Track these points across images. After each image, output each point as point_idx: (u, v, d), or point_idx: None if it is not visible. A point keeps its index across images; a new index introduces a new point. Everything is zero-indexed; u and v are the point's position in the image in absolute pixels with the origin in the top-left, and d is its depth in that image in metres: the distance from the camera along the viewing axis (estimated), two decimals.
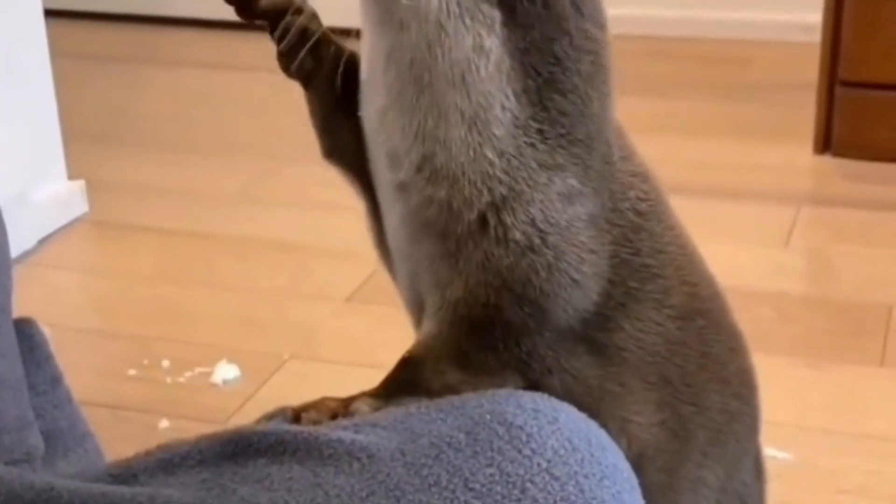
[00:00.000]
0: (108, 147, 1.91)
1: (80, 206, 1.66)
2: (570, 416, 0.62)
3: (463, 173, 0.64)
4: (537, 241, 0.65)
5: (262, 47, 2.49)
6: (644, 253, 0.69)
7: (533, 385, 0.67)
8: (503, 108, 0.64)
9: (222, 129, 2.00)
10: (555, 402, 0.63)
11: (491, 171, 0.64)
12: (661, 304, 0.69)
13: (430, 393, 0.67)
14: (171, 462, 0.59)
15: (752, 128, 1.84)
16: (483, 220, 0.64)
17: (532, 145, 0.65)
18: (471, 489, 0.57)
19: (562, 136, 0.65)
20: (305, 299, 1.41)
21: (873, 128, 1.77)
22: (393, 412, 0.63)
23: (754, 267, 1.41)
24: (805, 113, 1.80)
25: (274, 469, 0.58)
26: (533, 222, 0.64)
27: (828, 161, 1.78)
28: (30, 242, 1.56)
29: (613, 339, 0.68)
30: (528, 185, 0.64)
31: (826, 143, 1.81)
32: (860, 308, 1.35)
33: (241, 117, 2.04)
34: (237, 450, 0.59)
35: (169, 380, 1.25)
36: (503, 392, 0.63)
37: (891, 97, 1.76)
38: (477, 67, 0.64)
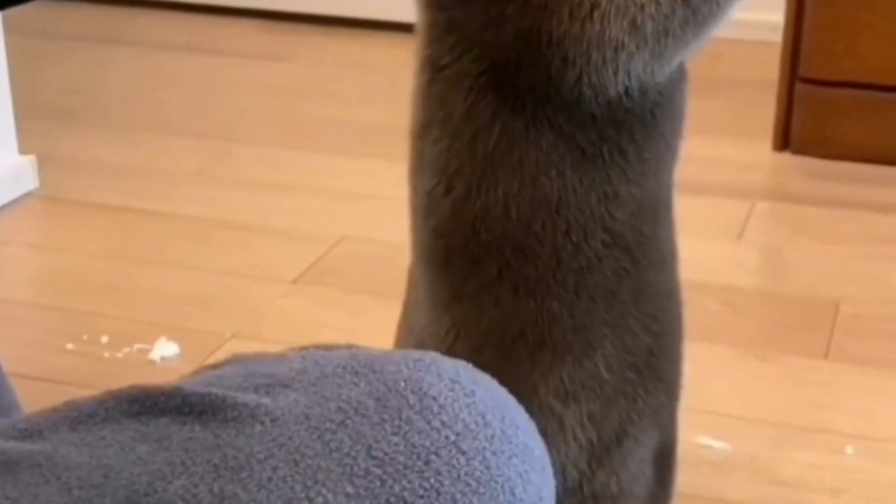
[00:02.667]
0: (66, 125, 1.89)
1: (31, 182, 1.64)
2: (488, 391, 0.61)
3: None
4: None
5: (226, 31, 2.48)
6: None
7: None
8: None
9: (181, 109, 1.98)
10: (477, 374, 0.62)
11: None
12: None
13: None
14: (76, 419, 0.58)
15: (713, 123, 1.84)
16: None
17: None
18: (373, 457, 0.56)
19: None
20: (252, 279, 1.40)
21: (832, 126, 1.77)
22: (309, 372, 0.62)
23: (707, 260, 1.41)
24: (767, 110, 1.80)
25: (175, 429, 0.56)
26: None
27: (786, 158, 1.78)
28: None
29: None
30: None
31: (785, 140, 1.81)
32: (809, 302, 1.35)
33: (200, 98, 2.03)
34: (142, 409, 0.58)
35: (107, 355, 1.23)
36: (427, 358, 0.62)
37: (851, 95, 1.76)
38: None
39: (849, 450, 1.08)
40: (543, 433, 0.70)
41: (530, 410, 0.70)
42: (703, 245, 1.46)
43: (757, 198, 1.64)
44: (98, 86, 2.09)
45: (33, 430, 0.58)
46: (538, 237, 0.69)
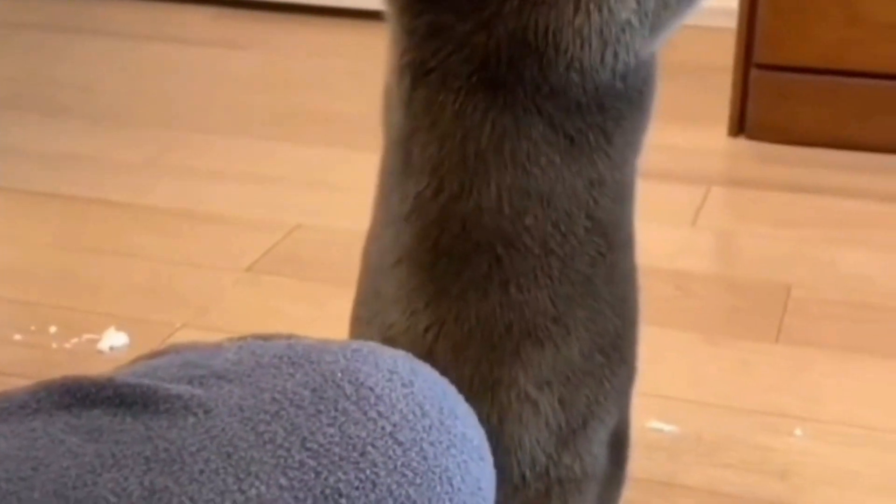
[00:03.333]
0: (17, 114, 1.86)
1: None
2: (426, 381, 0.60)
3: None
4: None
5: (180, 18, 2.45)
6: None
7: None
8: None
9: (134, 98, 1.96)
10: (416, 364, 0.61)
11: None
12: None
13: None
14: (6, 410, 0.57)
15: (668, 109, 1.83)
16: None
17: None
18: (307, 448, 0.55)
19: None
20: (204, 268, 1.39)
21: (787, 111, 1.78)
22: (245, 363, 0.61)
23: (660, 245, 1.41)
24: (722, 96, 1.80)
25: (106, 421, 0.56)
26: None
27: (741, 143, 1.79)
28: None
29: None
30: None
31: (740, 125, 1.81)
32: (761, 287, 1.36)
33: (154, 87, 2.01)
34: (73, 400, 0.57)
35: (55, 345, 1.22)
36: (365, 348, 0.61)
37: (805, 80, 1.77)
38: None
39: (798, 432, 1.09)
40: (519, 420, 0.70)
41: (509, 400, 0.70)
42: (657, 230, 1.45)
43: (712, 183, 1.64)
44: (48, 74, 2.06)
45: None
46: (529, 230, 0.68)
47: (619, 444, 0.77)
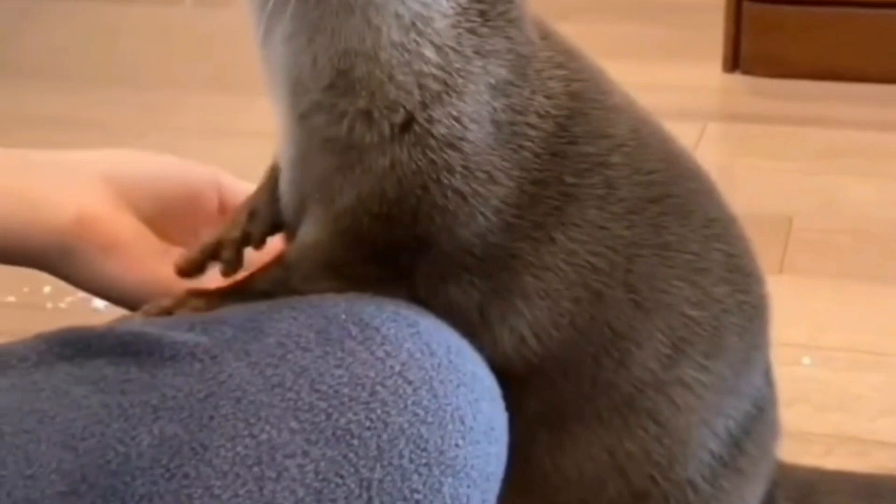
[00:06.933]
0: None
1: None
2: (431, 323, 0.59)
3: (390, 78, 0.58)
4: (459, 136, 0.58)
5: None
6: (582, 140, 0.62)
7: (417, 302, 0.61)
8: None
9: (109, 59, 1.94)
10: (419, 308, 0.60)
11: (426, 69, 0.58)
12: (604, 200, 0.62)
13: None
14: (7, 364, 0.55)
15: (663, 49, 1.82)
16: (408, 122, 0.58)
17: (472, 31, 0.59)
18: (316, 390, 0.54)
19: (501, 14, 0.60)
20: None
21: (781, 44, 1.76)
22: (243, 309, 0.60)
23: None
24: (716, 34, 1.78)
25: (111, 370, 0.54)
26: (459, 117, 0.58)
27: (737, 79, 1.77)
28: None
29: (542, 254, 0.61)
30: (462, 77, 0.58)
31: (735, 60, 1.80)
32: (762, 219, 1.34)
33: (138, 49, 1.98)
34: (75, 351, 0.56)
35: (49, 305, 1.21)
36: (365, 295, 0.60)
37: (798, 12, 1.75)
38: None
39: (805, 360, 1.09)
40: None
41: None
42: None
43: (708, 119, 1.63)
44: (28, 37, 2.04)
45: None
46: None
47: None
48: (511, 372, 0.62)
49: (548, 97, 0.61)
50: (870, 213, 1.36)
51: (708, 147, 1.55)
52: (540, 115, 0.61)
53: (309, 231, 0.63)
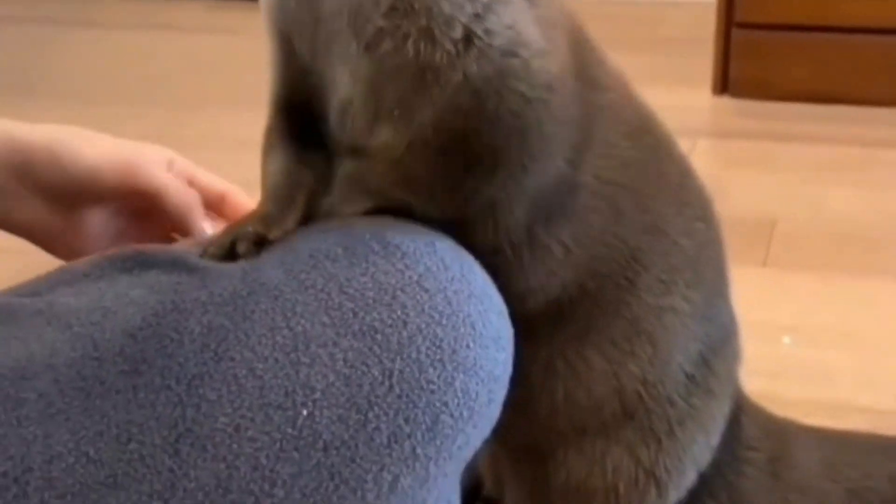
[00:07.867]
0: (8, 98, 1.92)
1: None
2: (446, 243, 0.67)
3: None
4: (516, 42, 0.63)
5: (173, 12, 2.37)
6: (590, 63, 0.68)
7: (466, 228, 0.67)
8: None
9: (130, 82, 2.01)
10: (436, 231, 0.68)
11: None
12: (614, 120, 0.68)
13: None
14: (73, 279, 0.63)
15: (655, 75, 1.90)
16: (468, 35, 0.62)
17: None
18: (345, 293, 0.62)
19: None
20: None
21: (768, 68, 1.85)
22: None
23: None
24: (706, 60, 1.87)
25: (164, 278, 0.62)
26: (513, 24, 0.63)
27: (725, 101, 1.86)
28: None
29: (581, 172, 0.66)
30: None
31: (724, 84, 1.89)
32: (747, 222, 1.43)
33: (151, 72, 2.06)
34: (134, 265, 0.63)
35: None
36: (388, 219, 0.68)
37: (784, 37, 1.84)
38: None
39: (786, 340, 1.16)
40: None
41: None
42: None
43: (698, 136, 1.71)
44: (47, 66, 2.12)
45: (32, 290, 0.63)
46: None
47: None
48: (538, 309, 0.69)
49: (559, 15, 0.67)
50: (852, 219, 1.43)
51: (698, 160, 1.61)
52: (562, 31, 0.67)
53: (381, 147, 0.66)
